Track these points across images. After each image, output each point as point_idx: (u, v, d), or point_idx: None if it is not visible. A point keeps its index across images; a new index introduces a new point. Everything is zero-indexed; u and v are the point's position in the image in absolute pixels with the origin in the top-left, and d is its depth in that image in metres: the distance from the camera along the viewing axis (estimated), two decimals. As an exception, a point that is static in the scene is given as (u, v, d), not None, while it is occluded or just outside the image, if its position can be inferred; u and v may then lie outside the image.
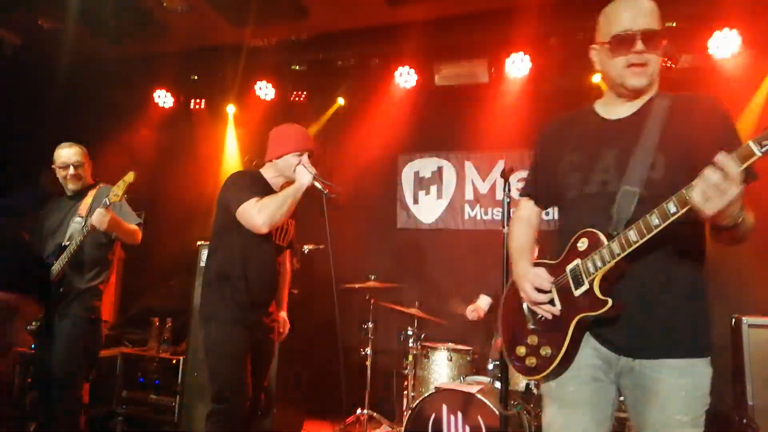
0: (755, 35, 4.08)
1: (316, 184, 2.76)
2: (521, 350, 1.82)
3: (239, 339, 2.70)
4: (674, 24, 4.05)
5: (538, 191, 2.04)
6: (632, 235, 1.56)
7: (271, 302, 2.93)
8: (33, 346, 3.45)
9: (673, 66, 4.22)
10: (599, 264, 1.63)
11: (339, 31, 4.98)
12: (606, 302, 1.62)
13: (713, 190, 1.35)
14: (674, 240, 1.60)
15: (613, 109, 1.83)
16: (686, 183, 1.45)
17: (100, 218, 3.07)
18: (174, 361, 4.56)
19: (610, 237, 1.64)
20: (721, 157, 1.34)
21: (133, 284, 5.17)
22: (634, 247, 1.56)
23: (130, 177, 3.07)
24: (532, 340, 1.79)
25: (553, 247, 1.86)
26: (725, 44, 4.09)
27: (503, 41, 4.60)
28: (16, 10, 4.73)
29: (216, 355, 2.71)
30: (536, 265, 1.85)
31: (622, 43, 1.68)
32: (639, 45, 1.66)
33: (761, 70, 4.26)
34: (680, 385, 1.61)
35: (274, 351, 3.02)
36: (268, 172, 2.97)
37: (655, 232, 1.52)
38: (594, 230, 1.68)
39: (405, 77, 5.03)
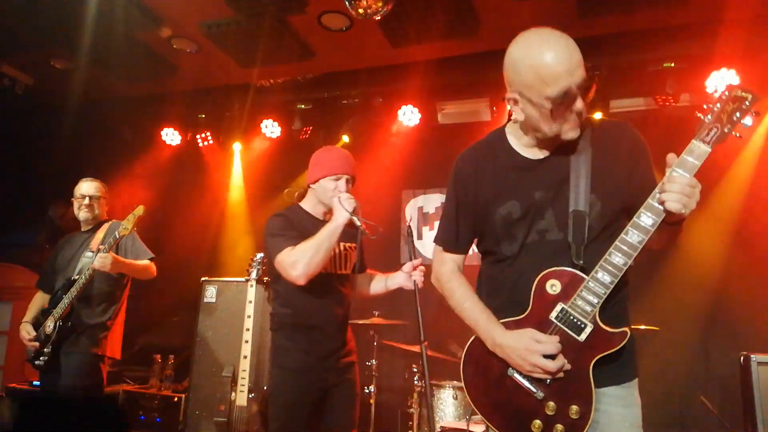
0: (753, 74, 4.15)
1: (355, 220, 2.56)
2: (537, 424, 1.60)
3: (300, 388, 2.59)
4: (673, 65, 4.15)
5: (460, 241, 1.89)
6: (617, 258, 1.52)
7: (342, 344, 2.75)
8: (39, 383, 3.41)
9: (674, 104, 4.29)
10: (595, 300, 1.55)
11: (344, 71, 5.10)
12: (624, 333, 1.56)
13: (687, 191, 1.44)
14: None
15: (532, 147, 1.77)
16: (619, 223, 1.60)
17: (102, 262, 3.06)
18: (176, 399, 4.50)
19: (582, 269, 1.59)
20: (679, 162, 1.47)
21: (135, 320, 5.14)
22: (625, 270, 1.52)
23: (139, 210, 3.11)
24: (550, 407, 1.59)
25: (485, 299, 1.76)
26: (723, 83, 4.17)
27: (504, 81, 4.67)
28: (30, 50, 4.85)
29: (276, 402, 2.63)
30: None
31: (562, 104, 1.54)
32: (579, 103, 1.55)
33: (759, 108, 4.31)
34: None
35: (355, 392, 2.77)
36: (309, 201, 2.81)
37: (640, 249, 1.50)
38: (563, 268, 1.61)
39: (408, 115, 5.09)
